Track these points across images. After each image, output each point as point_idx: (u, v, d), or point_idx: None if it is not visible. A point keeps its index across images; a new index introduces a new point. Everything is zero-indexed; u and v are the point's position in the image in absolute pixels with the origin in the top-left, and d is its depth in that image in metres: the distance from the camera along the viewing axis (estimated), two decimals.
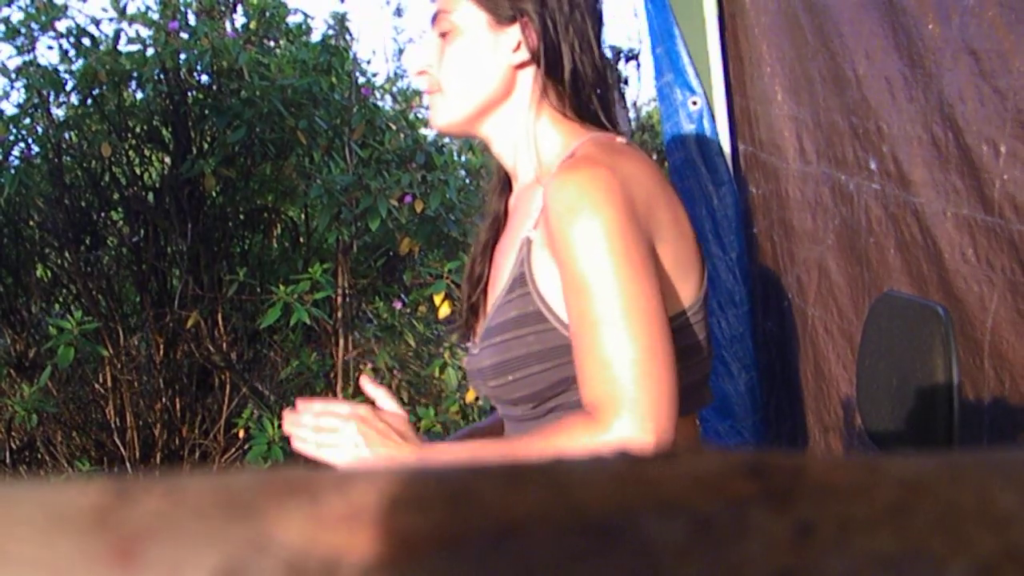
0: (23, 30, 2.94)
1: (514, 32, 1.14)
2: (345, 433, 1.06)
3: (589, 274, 0.98)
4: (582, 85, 1.15)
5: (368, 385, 1.18)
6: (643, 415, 0.94)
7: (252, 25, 3.40)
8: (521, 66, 1.16)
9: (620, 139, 1.13)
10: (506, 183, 1.27)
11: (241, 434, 2.94)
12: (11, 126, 2.98)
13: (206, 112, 3.12)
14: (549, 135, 1.16)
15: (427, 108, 1.26)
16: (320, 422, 1.07)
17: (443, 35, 1.17)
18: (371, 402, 1.14)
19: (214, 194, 3.16)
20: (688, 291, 1.10)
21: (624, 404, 0.95)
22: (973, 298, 1.49)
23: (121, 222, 3.33)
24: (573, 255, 0.99)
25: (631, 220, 0.99)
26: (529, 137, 1.16)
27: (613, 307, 0.96)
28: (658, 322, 0.97)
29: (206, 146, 3.17)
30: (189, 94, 3.16)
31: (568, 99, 1.15)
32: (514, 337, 1.08)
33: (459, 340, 1.32)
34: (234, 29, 3.31)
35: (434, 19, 1.19)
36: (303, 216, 3.41)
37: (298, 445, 1.09)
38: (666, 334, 0.98)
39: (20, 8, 2.97)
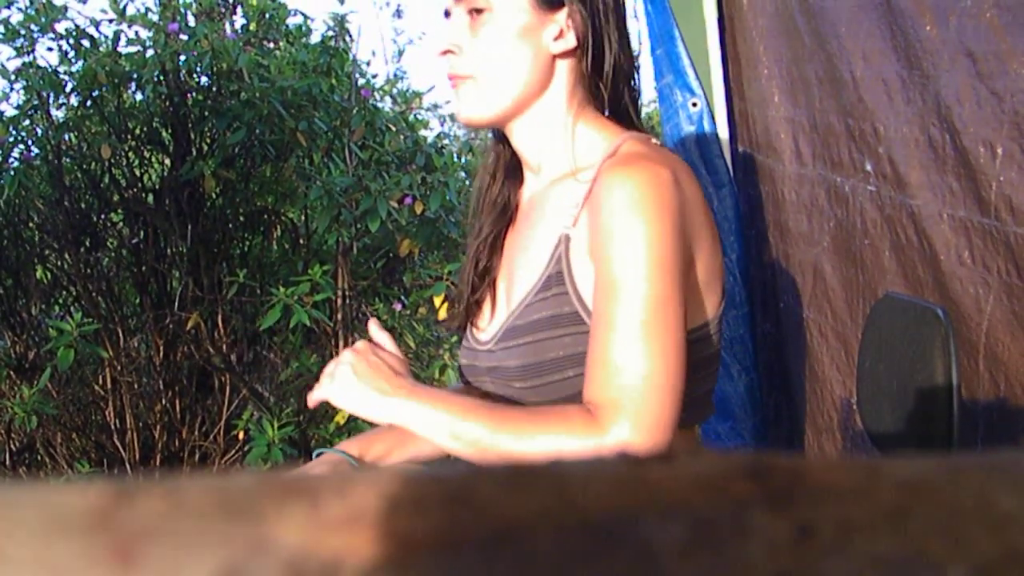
0: (23, 31, 2.93)
1: (560, 18, 1.07)
2: (340, 365, 1.04)
3: (623, 276, 0.95)
4: (619, 79, 1.10)
5: (374, 329, 1.15)
6: (645, 427, 0.92)
7: (252, 27, 3.40)
8: (561, 55, 1.08)
9: (655, 140, 1.09)
10: (514, 173, 1.20)
11: (241, 436, 2.94)
12: (11, 128, 2.98)
13: (206, 114, 3.12)
14: (588, 131, 1.10)
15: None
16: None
17: (473, 12, 1.07)
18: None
19: (214, 196, 3.16)
20: (714, 301, 1.07)
21: (628, 413, 0.92)
22: (969, 300, 1.49)
23: (121, 224, 3.32)
24: (612, 254, 0.96)
25: (678, 229, 0.96)
26: (566, 131, 1.09)
27: (638, 315, 0.94)
28: (677, 336, 0.95)
29: (206, 148, 3.17)
30: (189, 96, 3.16)
31: (607, 94, 1.10)
32: (549, 338, 1.04)
33: (456, 332, 1.26)
34: (234, 31, 3.31)
35: None
36: (303, 218, 3.41)
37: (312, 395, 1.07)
38: (682, 348, 0.95)
39: (20, 9, 2.96)
